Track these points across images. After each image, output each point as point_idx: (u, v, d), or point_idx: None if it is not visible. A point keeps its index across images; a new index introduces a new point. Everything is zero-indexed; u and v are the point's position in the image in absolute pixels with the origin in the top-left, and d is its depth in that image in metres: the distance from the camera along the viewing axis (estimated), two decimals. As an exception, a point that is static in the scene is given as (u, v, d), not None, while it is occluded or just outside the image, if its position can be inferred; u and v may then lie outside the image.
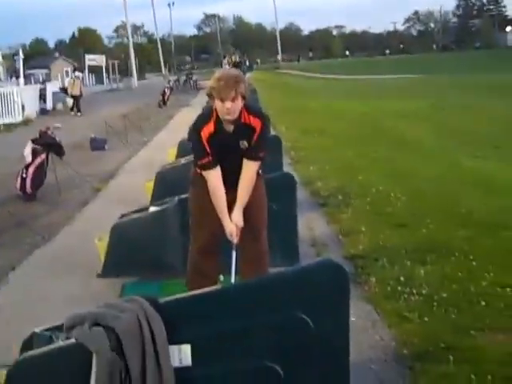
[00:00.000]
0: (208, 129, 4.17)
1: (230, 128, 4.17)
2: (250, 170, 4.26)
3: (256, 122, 4.20)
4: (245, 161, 4.27)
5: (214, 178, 4.24)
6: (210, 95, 4.13)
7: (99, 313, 2.76)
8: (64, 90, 31.83)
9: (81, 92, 28.07)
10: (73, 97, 28.01)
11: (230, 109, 4.03)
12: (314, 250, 6.38)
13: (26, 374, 2.69)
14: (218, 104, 4.06)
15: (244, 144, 4.21)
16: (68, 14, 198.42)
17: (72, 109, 27.52)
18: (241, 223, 4.25)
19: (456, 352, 3.97)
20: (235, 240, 4.23)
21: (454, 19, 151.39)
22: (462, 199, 8.33)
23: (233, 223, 4.24)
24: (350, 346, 3.11)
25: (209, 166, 4.23)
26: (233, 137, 4.19)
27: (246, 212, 4.33)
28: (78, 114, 26.83)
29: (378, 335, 4.37)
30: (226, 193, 4.25)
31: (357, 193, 8.72)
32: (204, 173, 4.27)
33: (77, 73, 31.89)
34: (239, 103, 4.07)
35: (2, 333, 4.64)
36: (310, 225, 7.22)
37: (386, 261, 5.74)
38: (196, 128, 4.25)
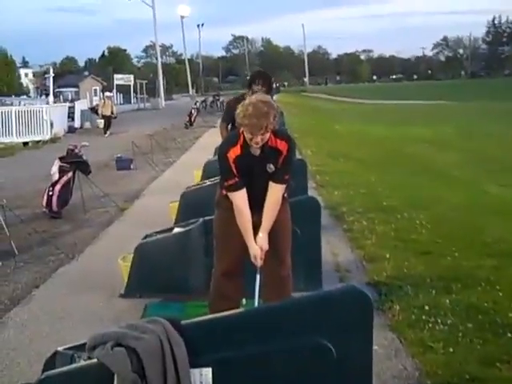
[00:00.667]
0: (234, 152, 4.17)
1: (257, 152, 4.17)
2: (275, 192, 4.26)
3: (283, 146, 4.20)
4: (270, 183, 4.26)
5: (240, 199, 4.24)
6: (240, 125, 4.10)
7: (121, 333, 2.76)
8: (93, 109, 31.66)
9: (112, 112, 27.73)
10: (104, 117, 27.61)
11: (259, 142, 4.07)
12: (338, 275, 6.34)
13: (48, 392, 2.69)
14: (247, 135, 4.07)
15: (270, 167, 4.21)
16: (98, 33, 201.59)
17: (105, 131, 27.02)
18: (266, 246, 4.24)
19: (481, 384, 3.91)
20: (259, 263, 4.21)
21: (484, 46, 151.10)
22: (488, 228, 8.25)
23: (258, 246, 4.22)
24: (373, 375, 3.07)
25: (235, 188, 4.22)
26: (259, 160, 4.20)
27: (271, 235, 4.31)
28: (106, 134, 26.50)
29: (401, 364, 4.31)
30: (252, 215, 4.24)
31: (381, 219, 8.67)
32: (230, 194, 4.27)
33: (107, 93, 31.35)
34: (268, 134, 4.08)
35: (24, 351, 4.66)
36: (334, 250, 7.18)
37: (410, 288, 5.68)
38: (222, 150, 4.26)
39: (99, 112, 28.45)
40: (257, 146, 4.11)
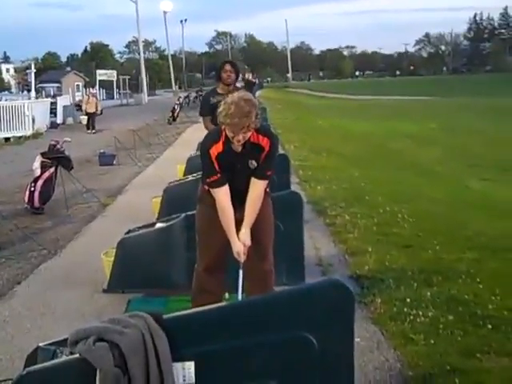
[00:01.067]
0: (217, 148, 4.17)
1: (239, 148, 4.17)
2: (257, 188, 4.26)
3: (265, 142, 4.20)
4: (253, 179, 4.26)
5: (223, 195, 4.23)
6: (222, 124, 4.08)
7: (103, 328, 2.75)
8: (78, 106, 31.24)
9: (96, 109, 27.29)
10: (88, 114, 27.06)
11: (240, 140, 4.07)
12: (320, 269, 6.37)
13: (30, 388, 2.68)
14: (229, 134, 4.07)
15: (253, 164, 4.21)
16: (81, 28, 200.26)
17: (88, 127, 26.34)
18: (248, 242, 4.24)
19: (462, 375, 3.94)
20: (243, 259, 4.22)
21: (465, 42, 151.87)
22: (469, 221, 8.32)
23: (240, 242, 4.23)
24: (356, 367, 3.09)
25: (217, 184, 4.22)
26: (241, 156, 4.19)
27: (253, 230, 4.31)
28: (93, 131, 25.97)
29: (383, 356, 4.34)
30: (234, 211, 4.24)
31: (364, 213, 8.70)
32: (213, 191, 4.26)
33: (92, 89, 31.43)
34: (250, 132, 4.08)
35: (6, 347, 4.64)
36: (317, 244, 7.21)
37: (392, 282, 5.72)
38: (205, 147, 4.25)
39: (83, 108, 28.05)
40: (238, 144, 4.11)
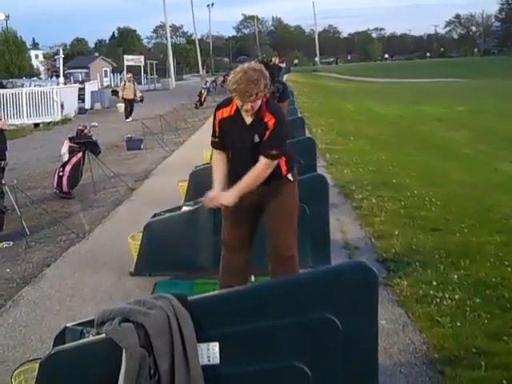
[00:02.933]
0: (223, 113, 4.30)
1: (249, 120, 4.22)
2: (259, 165, 4.22)
3: (269, 119, 4.20)
4: (259, 157, 4.25)
5: (217, 155, 4.42)
6: (230, 91, 4.15)
7: (129, 309, 2.78)
8: (115, 92, 29.29)
9: (135, 95, 24.96)
10: (125, 100, 24.82)
11: (249, 109, 4.12)
12: (347, 252, 6.37)
13: (58, 367, 2.72)
14: (238, 102, 4.14)
15: (256, 138, 4.23)
16: (108, 14, 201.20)
17: (126, 115, 24.22)
18: (225, 200, 4.20)
19: (488, 357, 3.93)
20: (206, 202, 4.32)
21: (497, 23, 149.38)
22: (498, 204, 8.24)
23: (219, 194, 4.23)
24: (380, 349, 3.10)
25: (214, 145, 4.41)
26: (248, 128, 4.24)
27: (273, 216, 4.39)
28: (127, 119, 23.79)
29: (408, 339, 4.34)
30: (238, 179, 4.26)
31: (390, 196, 8.66)
32: (213, 150, 4.44)
33: (129, 74, 27.64)
34: (259, 102, 4.12)
35: (36, 328, 4.73)
36: (343, 228, 7.20)
37: (418, 265, 5.70)
38: (215, 109, 4.40)
39: (120, 95, 25.75)
40: (247, 114, 4.15)
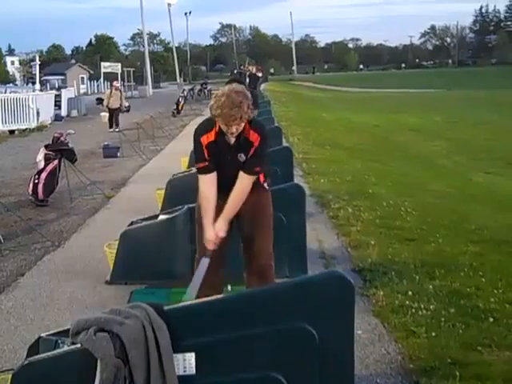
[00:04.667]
0: (208, 137, 4.24)
1: (232, 140, 4.20)
2: (242, 182, 4.25)
3: (255, 138, 4.21)
4: (240, 173, 4.26)
5: (207, 182, 4.29)
6: (214, 116, 4.12)
7: (104, 318, 2.77)
8: (99, 100, 27.48)
9: (121, 104, 24.01)
10: (110, 110, 23.69)
11: (234, 132, 4.11)
12: (323, 262, 6.38)
13: (31, 378, 2.70)
14: (222, 126, 4.11)
15: (241, 157, 4.24)
16: (85, 21, 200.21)
17: (110, 124, 22.95)
18: (222, 233, 4.23)
19: (463, 368, 3.95)
20: (211, 247, 4.24)
21: (471, 34, 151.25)
22: (473, 215, 8.32)
23: (214, 230, 4.23)
24: (356, 359, 3.10)
25: (204, 171, 4.30)
26: (233, 148, 4.22)
27: (250, 224, 4.39)
28: (117, 129, 21.31)
29: (384, 349, 4.35)
30: (220, 198, 4.26)
31: (367, 206, 8.71)
32: (199, 177, 4.33)
33: (115, 82, 26.28)
34: (243, 124, 4.11)
35: (9, 337, 4.66)
36: (320, 237, 7.21)
37: (394, 274, 5.72)
38: (197, 135, 4.31)
39: (104, 104, 24.42)
40: (232, 136, 4.14)
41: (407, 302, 5.05)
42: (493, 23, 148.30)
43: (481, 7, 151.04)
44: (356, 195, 9.51)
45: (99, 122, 24.91)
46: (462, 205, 9.06)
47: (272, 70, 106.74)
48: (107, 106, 23.85)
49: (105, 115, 24.51)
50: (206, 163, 4.28)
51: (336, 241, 7.22)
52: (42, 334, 3.03)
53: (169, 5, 70.25)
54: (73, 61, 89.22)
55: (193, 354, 2.82)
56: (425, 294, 5.22)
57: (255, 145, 4.21)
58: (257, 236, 4.43)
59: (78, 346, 2.71)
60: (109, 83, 69.60)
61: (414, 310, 4.89)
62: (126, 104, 24.96)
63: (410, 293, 5.24)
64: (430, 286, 5.40)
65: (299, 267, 5.49)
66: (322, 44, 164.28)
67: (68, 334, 2.83)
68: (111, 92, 24.25)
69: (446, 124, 24.14)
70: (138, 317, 2.77)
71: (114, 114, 23.47)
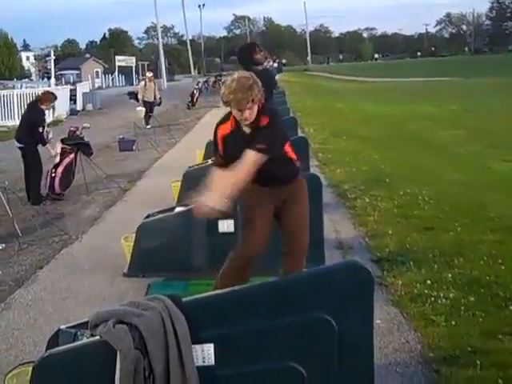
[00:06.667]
0: (224, 129, 4.30)
1: (248, 130, 4.21)
2: (244, 158, 4.08)
3: (265, 121, 4.21)
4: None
5: (217, 170, 4.26)
6: (227, 103, 4.13)
7: (123, 310, 2.77)
8: (132, 94, 24.46)
9: (154, 97, 21.70)
10: (145, 103, 21.49)
11: (248, 117, 4.11)
12: (340, 252, 6.35)
13: (51, 370, 2.70)
14: (235, 112, 4.13)
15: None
16: (99, 15, 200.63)
17: (147, 121, 20.79)
18: (211, 204, 3.89)
19: (483, 356, 3.92)
20: (197, 213, 4.08)
21: (487, 22, 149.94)
22: (491, 203, 8.24)
23: (205, 198, 3.94)
24: (375, 349, 3.08)
25: (218, 163, 4.35)
26: (248, 138, 4.19)
27: (291, 215, 4.46)
28: (148, 126, 20.20)
29: (403, 338, 4.33)
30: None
31: (384, 195, 8.66)
32: (212, 168, 4.36)
33: (149, 73, 23.68)
34: (255, 108, 4.12)
35: (29, 330, 4.70)
36: (337, 227, 7.19)
37: (412, 264, 5.69)
38: (215, 127, 4.39)
39: (139, 97, 21.91)
40: (247, 123, 4.14)
41: (426, 291, 5.02)
42: (509, 10, 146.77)
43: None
44: (373, 185, 9.46)
45: (115, 116, 24.96)
46: (480, 193, 8.99)
47: (284, 61, 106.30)
48: (143, 100, 21.65)
49: (141, 110, 21.98)
50: (220, 157, 4.35)
51: (353, 231, 7.19)
52: (61, 327, 3.04)
53: (183, -2, 70.08)
54: (87, 55, 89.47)
55: (211, 345, 2.81)
56: (444, 283, 5.19)
57: (265, 126, 4.20)
58: (302, 227, 4.53)
59: (97, 337, 2.71)
60: (123, 76, 70.00)
61: (433, 299, 4.87)
62: (159, 96, 22.18)
63: (428, 282, 5.21)
64: (449, 275, 5.36)
65: (317, 258, 5.45)
66: (336, 34, 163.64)
67: (87, 327, 2.83)
68: (145, 84, 21.96)
69: (463, 112, 23.96)
70: (156, 308, 2.77)
71: (148, 108, 21.43)
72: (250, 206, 4.49)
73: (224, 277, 4.58)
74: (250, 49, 7.47)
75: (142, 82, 22.98)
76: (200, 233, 5.53)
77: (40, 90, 25.72)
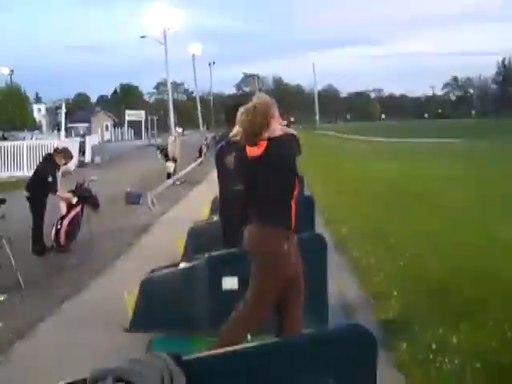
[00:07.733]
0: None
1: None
2: None
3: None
4: None
5: None
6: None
7: (122, 368, 2.73)
8: (162, 151, 22.69)
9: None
10: (174, 160, 21.17)
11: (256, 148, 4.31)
12: (345, 313, 6.28)
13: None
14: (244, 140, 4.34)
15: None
16: (111, 71, 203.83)
17: (170, 176, 20.30)
18: None
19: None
20: None
21: (494, 86, 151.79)
22: (498, 266, 8.17)
23: None
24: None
25: None
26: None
27: (296, 280, 4.50)
28: (178, 182, 20.25)
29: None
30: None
31: (389, 256, 8.61)
32: None
33: (178, 128, 23.94)
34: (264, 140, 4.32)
35: (27, 384, 4.63)
36: (341, 287, 7.13)
37: (417, 327, 5.62)
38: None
39: (170, 154, 21.23)
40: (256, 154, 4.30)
41: (431, 356, 4.94)
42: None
43: (503, 59, 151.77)
44: (378, 245, 9.42)
45: (123, 169, 25.10)
46: (488, 256, 8.91)
47: (292, 119, 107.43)
48: (173, 157, 21.15)
49: (171, 165, 21.16)
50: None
51: (358, 292, 7.13)
52: (59, 383, 2.99)
53: (193, 56, 71.25)
54: (98, 108, 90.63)
55: (212, 406, 2.77)
56: (449, 348, 5.11)
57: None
58: (301, 293, 4.58)
59: (95, 395, 2.67)
60: (132, 130, 70.67)
61: (438, 364, 4.78)
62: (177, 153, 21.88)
63: (433, 346, 5.13)
64: (455, 339, 5.28)
65: (320, 318, 5.42)
66: (344, 94, 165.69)
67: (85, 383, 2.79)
68: (175, 139, 21.74)
69: (469, 174, 24.00)
70: (156, 367, 2.73)
71: (175, 164, 21.15)
72: (274, 268, 4.42)
73: (226, 334, 4.54)
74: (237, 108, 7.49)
75: (172, 137, 22.47)
76: (203, 289, 5.49)
77: (49, 141, 26.09)
